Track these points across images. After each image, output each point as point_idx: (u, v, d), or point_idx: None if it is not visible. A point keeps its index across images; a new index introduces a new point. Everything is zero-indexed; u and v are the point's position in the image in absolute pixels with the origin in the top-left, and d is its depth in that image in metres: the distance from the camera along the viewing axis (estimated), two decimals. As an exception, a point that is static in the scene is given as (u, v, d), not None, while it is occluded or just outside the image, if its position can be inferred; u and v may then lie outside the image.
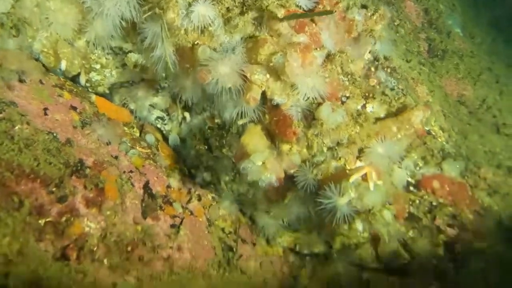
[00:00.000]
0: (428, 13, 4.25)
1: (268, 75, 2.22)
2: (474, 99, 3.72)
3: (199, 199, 2.88)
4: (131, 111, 3.10)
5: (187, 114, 3.21)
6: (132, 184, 2.43)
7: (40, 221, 1.72)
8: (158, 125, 3.30)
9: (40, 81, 2.38)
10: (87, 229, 1.92)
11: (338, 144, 2.32)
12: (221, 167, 3.17)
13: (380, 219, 2.14)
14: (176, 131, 3.30)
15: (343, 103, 2.38)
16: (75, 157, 2.10)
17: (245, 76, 2.29)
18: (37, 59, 2.47)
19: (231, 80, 2.21)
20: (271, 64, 2.12)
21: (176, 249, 2.36)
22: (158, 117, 3.26)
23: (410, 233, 2.70)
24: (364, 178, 2.09)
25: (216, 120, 3.06)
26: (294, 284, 2.99)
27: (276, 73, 2.18)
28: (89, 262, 1.80)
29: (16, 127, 1.88)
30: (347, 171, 2.19)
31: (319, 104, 2.24)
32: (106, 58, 2.87)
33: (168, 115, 3.26)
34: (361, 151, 2.40)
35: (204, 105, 3.09)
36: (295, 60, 1.98)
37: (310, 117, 2.32)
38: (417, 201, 2.77)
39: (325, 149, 2.42)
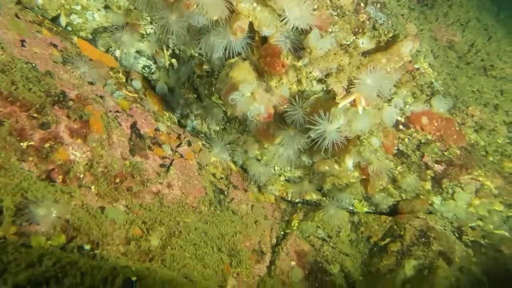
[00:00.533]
0: None
1: (255, 4, 2.12)
2: (463, 44, 3.67)
3: (189, 145, 2.81)
4: (116, 59, 2.99)
5: (174, 61, 3.10)
6: (119, 123, 2.35)
7: (22, 144, 1.65)
8: (145, 75, 3.19)
9: (16, 15, 2.25)
10: (72, 157, 1.85)
11: (327, 74, 2.26)
12: (211, 116, 3.10)
13: (368, 146, 2.10)
14: (163, 80, 3.20)
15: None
16: (57, 88, 2.01)
17: (232, 7, 2.19)
18: (12, -7, 2.33)
19: (217, 10, 2.11)
20: (257, -12, 2.02)
21: (166, 185, 2.31)
22: (144, 66, 3.15)
23: (399, 168, 2.69)
24: (353, 104, 2.04)
25: (205, 67, 2.96)
26: (285, 227, 2.97)
27: (263, 0, 2.09)
28: (75, 187, 1.74)
29: (-9, 52, 1.78)
30: (336, 100, 2.14)
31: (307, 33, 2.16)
32: (87, -1, 2.73)
33: (155, 62, 3.15)
34: (350, 83, 2.35)
35: (192, 51, 2.98)
36: (282, -18, 1.88)
37: (299, 49, 2.25)
38: (406, 139, 2.74)
39: (314, 82, 2.36)
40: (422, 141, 2.72)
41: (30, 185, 1.46)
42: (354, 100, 2.03)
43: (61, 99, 1.98)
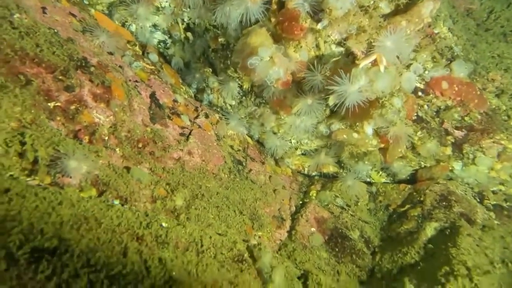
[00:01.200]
0: None
1: (272, -35, 2.11)
2: (481, 12, 3.60)
3: (207, 117, 2.83)
4: (132, 33, 3.01)
5: (189, 35, 3.11)
6: (138, 92, 2.38)
7: (49, 104, 1.68)
8: (161, 50, 3.21)
9: (36, -15, 2.27)
10: (96, 119, 1.88)
11: (346, 37, 2.24)
12: (227, 90, 3.10)
13: (390, 107, 2.09)
14: (179, 54, 3.21)
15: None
16: (79, 53, 2.04)
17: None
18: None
19: (234, -28, 2.10)
20: (275, -52, 2.01)
21: (187, 152, 2.34)
22: (160, 41, 3.16)
23: (418, 134, 2.67)
24: (374, 64, 2.02)
25: (220, 40, 2.96)
26: (303, 197, 2.99)
27: (281, -39, 2.08)
28: (102, 147, 1.77)
29: (15, 15, 1.81)
30: (357, 62, 2.13)
31: (326, -5, 2.14)
32: (103, -28, 2.75)
33: (170, 37, 3.16)
34: (369, 46, 2.33)
35: (207, 24, 2.98)
36: None
37: (317, 11, 2.24)
38: (425, 106, 2.72)
39: (333, 46, 2.35)
40: (442, 107, 2.70)
41: (61, 141, 1.49)
42: (375, 60, 2.01)
43: (83, 64, 2.01)
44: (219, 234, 1.53)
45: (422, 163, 2.89)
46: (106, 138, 1.87)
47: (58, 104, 1.72)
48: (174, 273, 1.16)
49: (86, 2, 2.79)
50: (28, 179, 1.26)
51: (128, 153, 1.93)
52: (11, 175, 1.20)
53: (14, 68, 1.60)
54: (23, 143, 1.33)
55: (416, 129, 2.65)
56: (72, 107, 1.80)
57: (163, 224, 1.35)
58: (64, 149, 1.43)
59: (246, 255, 1.54)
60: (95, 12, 2.67)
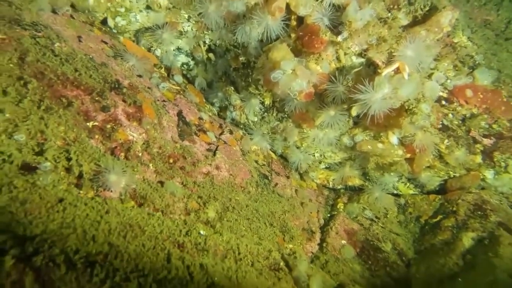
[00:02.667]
0: None
1: (292, -16, 2.22)
2: (499, 23, 3.62)
3: (231, 133, 2.91)
4: (157, 57, 3.16)
5: (211, 55, 3.24)
6: (167, 110, 2.48)
7: (88, 123, 1.79)
8: (184, 72, 3.35)
9: (71, 16, 2.45)
10: (130, 137, 1.98)
11: (367, 48, 2.31)
12: (249, 106, 3.19)
13: (420, 112, 2.11)
14: (202, 75, 3.34)
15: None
16: (112, 76, 2.16)
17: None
18: (66, -2, 2.55)
19: (256, -7, 2.22)
20: (295, -31, 2.12)
21: (215, 167, 2.41)
22: (183, 63, 3.31)
23: (446, 142, 2.67)
24: (396, 71, 2.07)
25: (241, 59, 3.08)
26: (331, 210, 3.00)
27: (300, -21, 2.18)
28: (137, 163, 1.86)
29: (56, 44, 1.95)
30: (378, 70, 2.18)
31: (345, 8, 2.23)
32: (130, 1, 2.92)
33: (193, 59, 3.30)
34: (390, 56, 2.38)
35: (228, 44, 3.11)
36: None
37: (337, 25, 2.32)
38: (450, 115, 2.73)
39: (354, 58, 2.42)
40: (467, 115, 2.70)
41: (101, 157, 1.58)
42: (397, 68, 2.06)
43: (117, 86, 2.13)
44: (254, 244, 1.56)
45: (451, 172, 2.87)
46: (140, 154, 1.96)
47: (96, 123, 1.83)
48: (216, 278, 1.20)
49: (115, 31, 2.96)
50: (75, 193, 1.34)
51: (160, 168, 2.01)
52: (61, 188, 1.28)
53: (57, 91, 1.72)
54: (69, 159, 1.42)
55: (442, 138, 2.65)
56: (108, 126, 1.90)
57: (201, 232, 1.40)
58: (104, 164, 1.52)
59: (282, 263, 1.56)
60: (123, 39, 2.83)
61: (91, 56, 2.16)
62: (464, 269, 1.99)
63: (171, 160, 2.15)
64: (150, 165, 1.98)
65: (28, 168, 1.26)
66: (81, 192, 1.39)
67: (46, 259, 0.93)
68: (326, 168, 3.29)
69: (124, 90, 2.18)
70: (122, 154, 1.85)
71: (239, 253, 1.43)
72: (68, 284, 0.93)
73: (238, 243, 1.45)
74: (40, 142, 1.39)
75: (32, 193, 1.12)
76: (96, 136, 1.78)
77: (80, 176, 1.43)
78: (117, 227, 1.17)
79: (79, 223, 1.10)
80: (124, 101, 2.10)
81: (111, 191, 1.53)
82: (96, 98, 1.91)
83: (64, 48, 1.97)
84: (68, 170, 1.40)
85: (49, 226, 1.03)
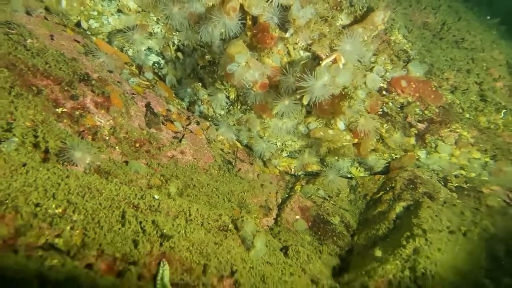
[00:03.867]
0: None
1: (243, -13, 2.37)
2: (435, 24, 3.88)
3: (198, 124, 3.03)
4: (129, 57, 3.25)
5: (180, 55, 3.36)
6: (135, 102, 2.59)
7: (57, 109, 1.88)
8: (155, 70, 3.45)
9: (45, 18, 2.53)
10: (98, 123, 2.08)
11: (311, 43, 2.48)
12: (216, 101, 3.32)
13: (356, 98, 2.29)
14: (171, 73, 3.45)
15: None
16: (82, 69, 2.26)
17: (224, -7, 2.44)
18: (41, 1, 2.62)
19: (212, -5, 2.36)
20: (245, -27, 2.28)
21: (179, 152, 2.53)
22: (154, 62, 3.40)
23: (385, 126, 2.87)
24: (334, 61, 2.25)
25: (207, 57, 3.20)
26: (289, 191, 3.15)
27: (250, -18, 2.34)
28: (103, 145, 1.96)
29: (28, 41, 2.04)
30: (320, 62, 2.35)
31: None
32: (101, 5, 3.02)
33: (163, 58, 3.40)
34: (332, 49, 2.56)
35: (194, 44, 3.23)
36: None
37: (285, 23, 2.49)
38: (390, 103, 2.94)
39: (301, 52, 2.59)
40: (404, 103, 2.91)
41: (67, 136, 1.68)
42: (335, 59, 2.24)
43: (86, 78, 2.22)
44: (206, 210, 1.69)
45: (393, 155, 3.08)
46: (107, 138, 2.06)
47: (65, 109, 1.92)
48: (164, 230, 1.32)
49: (89, 33, 3.04)
50: (42, 165, 1.43)
51: (126, 150, 2.12)
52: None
53: (27, 80, 1.81)
54: (36, 136, 1.52)
55: (382, 123, 2.85)
56: (77, 112, 2.00)
57: (156, 196, 1.52)
58: (70, 142, 1.62)
59: (230, 225, 1.70)
60: (96, 40, 2.92)
61: (62, 52, 2.25)
62: (393, 231, 2.17)
63: (137, 144, 2.26)
64: (117, 147, 2.08)
65: (-3, 142, 1.36)
66: (48, 165, 1.49)
67: (9, 209, 1.03)
68: (288, 156, 3.44)
69: (93, 82, 2.28)
70: (90, 137, 1.95)
71: (190, 215, 1.55)
72: (30, 230, 1.04)
73: (190, 207, 1.57)
74: (9, 122, 1.48)
75: (-2, 158, 1.21)
76: (65, 121, 1.88)
77: (47, 151, 1.53)
78: (76, 188, 1.28)
79: (41, 183, 1.21)
80: (92, 91, 2.20)
81: (76, 166, 1.63)
82: (66, 88, 2.00)
83: (36, 44, 2.06)
84: (35, 145, 1.50)
85: (13, 184, 1.13)
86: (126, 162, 2.00)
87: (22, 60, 1.85)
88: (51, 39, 2.34)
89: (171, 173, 2.22)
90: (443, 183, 2.80)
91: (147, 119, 2.57)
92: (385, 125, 2.86)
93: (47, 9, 2.67)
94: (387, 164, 3.18)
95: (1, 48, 1.75)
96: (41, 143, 1.49)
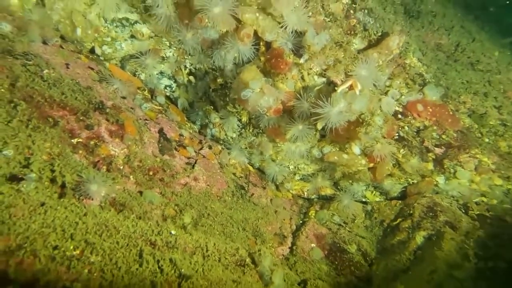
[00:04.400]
0: None
1: (257, 14, 2.40)
2: (449, 46, 3.88)
3: (210, 148, 3.04)
4: (142, 81, 3.30)
5: (192, 78, 3.39)
6: (148, 128, 2.60)
7: (73, 140, 1.90)
8: (167, 93, 3.48)
9: (61, 46, 2.59)
10: (112, 152, 2.09)
11: (326, 68, 2.48)
12: (228, 124, 3.33)
13: (373, 124, 2.27)
14: (183, 96, 3.48)
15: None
16: (96, 98, 2.29)
17: (238, 20, 2.48)
18: (57, 29, 2.68)
19: (225, 22, 2.39)
20: (259, 1, 2.31)
21: (193, 178, 2.52)
22: (166, 86, 3.44)
23: (401, 151, 2.84)
24: (350, 88, 2.24)
25: (219, 80, 3.23)
26: (303, 217, 3.11)
27: (265, 10, 2.37)
28: (118, 175, 1.96)
29: (44, 71, 2.08)
30: (336, 88, 2.35)
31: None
32: (115, 31, 3.08)
33: (175, 81, 3.44)
34: (347, 75, 2.56)
35: (206, 68, 3.27)
36: (278, -8, 2.16)
37: (299, 49, 2.50)
38: (406, 127, 2.91)
39: (316, 77, 2.59)
40: (420, 127, 2.88)
41: (83, 169, 1.69)
42: (351, 85, 2.24)
43: (100, 106, 2.25)
44: (223, 243, 1.67)
45: (410, 179, 3.03)
46: (121, 167, 2.07)
47: (80, 140, 1.94)
48: (183, 270, 1.30)
49: (102, 58, 3.10)
50: (59, 201, 1.43)
51: (140, 179, 2.12)
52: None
53: (44, 112, 1.83)
54: (53, 171, 1.52)
55: (399, 148, 2.82)
56: (92, 142, 2.01)
57: (172, 232, 1.50)
58: (86, 175, 1.62)
59: (248, 260, 1.67)
60: (109, 65, 2.97)
61: (77, 81, 2.29)
62: (415, 263, 2.11)
63: (151, 173, 2.26)
64: (131, 176, 2.08)
65: (15, 179, 1.36)
66: (64, 200, 1.48)
67: (27, 253, 1.03)
68: (301, 179, 3.42)
69: (108, 110, 2.30)
70: (104, 167, 1.95)
71: (207, 250, 1.53)
72: (47, 275, 1.03)
73: (207, 242, 1.55)
74: (27, 156, 1.49)
75: (17, 198, 1.21)
76: (80, 151, 1.89)
77: (63, 185, 1.53)
78: (93, 227, 1.27)
79: (59, 223, 1.20)
80: (107, 120, 2.21)
81: (92, 199, 1.63)
82: (81, 118, 2.02)
83: (52, 74, 2.09)
84: (52, 180, 1.50)
85: (31, 226, 1.12)
86: (141, 192, 2.00)
87: (39, 91, 1.88)
88: (67, 68, 2.38)
89: (185, 202, 2.21)
90: (463, 211, 2.73)
91: (160, 145, 2.57)
92: (401, 150, 2.83)
93: (62, 37, 2.73)
94: (403, 189, 3.13)
95: (19, 81, 1.78)
96: (58, 177, 1.49)
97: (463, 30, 4.25)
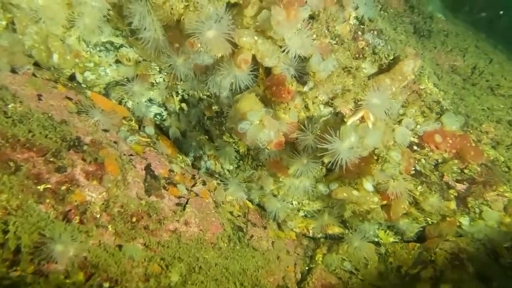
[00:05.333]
0: (408, 1, 4.31)
1: (256, 37, 2.22)
2: (465, 68, 3.70)
3: (204, 184, 2.81)
4: (129, 109, 3.10)
5: (184, 106, 3.20)
6: (133, 165, 2.38)
7: (39, 187, 1.67)
8: (157, 122, 3.28)
9: (33, 74, 2.39)
10: (88, 197, 1.86)
11: (333, 97, 2.29)
12: (224, 155, 3.12)
13: (391, 161, 2.05)
14: (175, 125, 3.28)
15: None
16: (72, 134, 2.08)
17: (234, 44, 2.30)
18: (30, 56, 2.50)
19: (220, 46, 2.21)
20: (257, 23, 2.13)
21: (183, 223, 2.28)
22: (156, 114, 3.25)
23: (419, 189, 2.61)
24: (361, 120, 2.04)
25: (214, 107, 3.04)
26: (309, 262, 2.85)
27: (264, 33, 2.19)
28: (93, 226, 1.73)
29: (10, 105, 1.88)
30: (345, 119, 2.15)
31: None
32: (98, 56, 2.90)
33: (166, 109, 3.25)
34: (356, 105, 2.37)
35: (200, 94, 3.08)
36: (279, 14, 1.98)
37: (302, 75, 2.31)
38: (422, 160, 2.69)
39: (321, 107, 2.39)
40: (439, 160, 2.66)
41: (47, 224, 1.46)
42: (363, 117, 2.03)
43: (76, 143, 2.04)
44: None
45: (429, 219, 2.79)
46: (98, 216, 1.83)
47: (48, 186, 1.72)
48: None
49: (84, 86, 2.91)
50: (9, 270, 1.20)
51: (121, 229, 1.88)
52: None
53: (4, 155, 1.61)
54: (5, 232, 1.29)
55: (416, 184, 2.59)
56: (63, 187, 1.79)
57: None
58: (50, 233, 1.40)
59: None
60: (91, 94, 2.77)
61: (50, 115, 2.08)
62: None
63: (134, 219, 2.02)
64: (109, 226, 1.85)
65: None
66: (18, 268, 1.25)
67: None
68: (305, 216, 3.18)
69: (85, 147, 2.08)
70: (77, 217, 1.72)
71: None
72: None
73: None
74: (-28, 215, 1.27)
75: None
76: (47, 200, 1.66)
77: (18, 250, 1.29)
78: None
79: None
80: (83, 159, 1.99)
81: (56, 263, 1.39)
82: (51, 159, 1.80)
83: (18, 108, 1.89)
84: (2, 245, 1.26)
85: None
86: (120, 246, 1.75)
87: (1, 130, 1.66)
88: (39, 100, 2.18)
89: (173, 253, 1.96)
90: (493, 257, 2.48)
91: (146, 184, 2.35)
92: (419, 187, 2.60)
93: (36, 64, 2.54)
94: (421, 229, 2.88)
95: (-24, 119, 1.57)
96: (10, 241, 1.26)
97: (479, 50, 4.09)
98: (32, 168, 1.68)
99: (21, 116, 1.83)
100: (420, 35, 3.90)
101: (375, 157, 2.09)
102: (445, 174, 2.60)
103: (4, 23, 2.33)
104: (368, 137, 1.95)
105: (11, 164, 1.60)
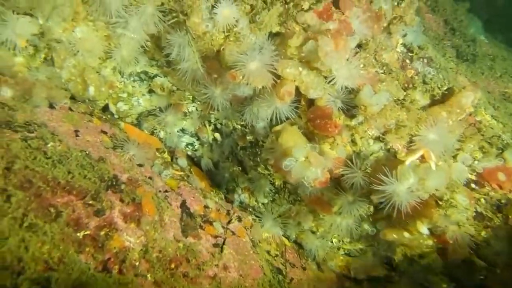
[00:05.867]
0: (448, 23, 4.20)
1: (300, 68, 2.17)
2: (518, 95, 3.53)
3: (240, 220, 2.73)
4: (161, 140, 3.09)
5: (217, 135, 3.16)
6: (169, 203, 2.33)
7: (78, 234, 1.63)
8: (189, 152, 3.26)
9: (70, 108, 2.41)
10: (127, 243, 1.81)
11: (385, 132, 2.19)
12: (259, 188, 3.05)
13: (458, 205, 1.91)
14: (207, 155, 3.24)
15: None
16: (110, 172, 2.05)
17: (277, 75, 2.26)
18: (66, 89, 2.52)
19: (262, 78, 2.16)
20: (302, 54, 2.08)
21: (222, 267, 2.19)
22: (188, 144, 3.23)
23: (483, 234, 2.43)
24: (422, 160, 1.92)
25: (248, 137, 2.99)
26: (354, 309, 2.70)
27: (309, 64, 2.14)
28: (132, 276, 1.67)
29: (49, 145, 1.87)
30: (400, 159, 2.04)
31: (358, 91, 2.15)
32: (132, 86, 2.92)
33: (198, 139, 3.22)
34: (410, 140, 2.26)
35: (234, 123, 3.04)
36: (327, 44, 1.93)
37: (350, 108, 2.23)
38: (483, 200, 2.52)
39: (371, 142, 2.29)
40: (503, 201, 2.48)
41: (88, 278, 1.40)
42: (422, 156, 1.92)
43: (114, 183, 2.00)
44: None
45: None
46: (137, 263, 1.78)
47: (88, 232, 1.68)
48: None
49: (117, 116, 2.92)
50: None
51: (160, 277, 1.81)
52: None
53: (45, 200, 1.59)
54: (48, 290, 1.24)
55: (478, 228, 2.42)
56: (102, 233, 1.74)
57: None
58: (92, 290, 1.33)
59: None
60: (124, 125, 2.77)
61: (87, 152, 2.07)
62: None
63: (172, 265, 1.95)
64: (148, 275, 1.78)
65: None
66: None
67: None
68: (346, 254, 3.03)
69: (122, 186, 2.05)
70: (116, 267, 1.66)
71: None
72: None
73: None
74: (14, 276, 1.22)
75: None
76: (87, 249, 1.62)
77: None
78: None
79: None
80: (121, 200, 1.96)
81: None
82: (90, 202, 1.77)
83: (58, 147, 1.88)
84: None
85: None
86: (160, 300, 1.68)
87: (41, 173, 1.65)
88: (76, 136, 2.17)
89: (215, 305, 1.87)
90: None
91: (183, 224, 2.28)
92: (483, 232, 2.42)
93: (72, 97, 2.56)
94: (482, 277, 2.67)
95: (16, 162, 1.56)
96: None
97: (530, 74, 3.90)
98: (72, 213, 1.65)
99: (60, 155, 1.82)
100: (464, 60, 3.77)
101: (437, 200, 1.95)
102: (510, 216, 2.42)
103: (42, 56, 2.37)
104: (430, 179, 1.83)
105: (52, 210, 1.57)
